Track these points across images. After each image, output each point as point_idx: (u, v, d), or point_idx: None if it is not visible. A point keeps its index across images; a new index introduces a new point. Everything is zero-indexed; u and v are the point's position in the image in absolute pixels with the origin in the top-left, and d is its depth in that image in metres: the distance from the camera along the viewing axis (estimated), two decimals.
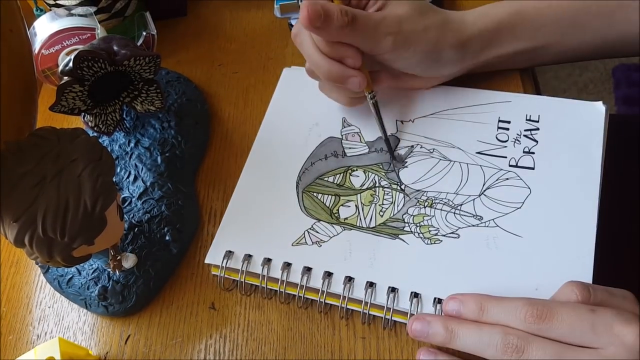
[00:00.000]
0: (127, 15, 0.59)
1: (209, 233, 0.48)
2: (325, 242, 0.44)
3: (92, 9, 0.54)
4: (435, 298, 0.40)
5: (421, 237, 0.43)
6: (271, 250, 0.43)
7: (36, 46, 0.53)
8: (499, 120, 0.48)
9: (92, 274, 0.45)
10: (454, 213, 0.44)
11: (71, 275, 0.46)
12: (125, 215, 0.47)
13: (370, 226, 0.44)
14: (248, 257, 0.43)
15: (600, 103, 0.47)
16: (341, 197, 0.46)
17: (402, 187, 0.46)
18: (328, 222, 0.45)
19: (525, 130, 0.47)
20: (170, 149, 0.50)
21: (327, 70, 0.43)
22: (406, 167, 0.47)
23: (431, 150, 0.47)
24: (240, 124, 0.54)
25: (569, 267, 0.40)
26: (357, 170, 0.47)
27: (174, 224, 0.46)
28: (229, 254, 0.43)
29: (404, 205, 0.45)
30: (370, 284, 0.41)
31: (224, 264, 0.43)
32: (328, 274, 0.42)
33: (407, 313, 0.39)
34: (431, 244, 0.42)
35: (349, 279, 0.41)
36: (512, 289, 0.39)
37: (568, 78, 1.42)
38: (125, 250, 0.45)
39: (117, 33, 0.51)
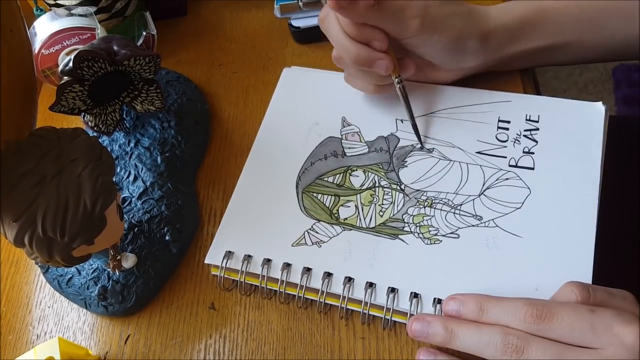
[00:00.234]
0: (127, 15, 0.59)
1: (208, 233, 0.48)
2: (325, 242, 0.44)
3: (92, 9, 0.54)
4: (435, 298, 0.40)
5: (421, 237, 0.43)
6: (271, 251, 0.43)
7: (36, 46, 0.53)
8: (499, 120, 0.48)
9: (91, 273, 0.45)
10: (454, 213, 0.44)
11: (71, 275, 0.46)
12: (125, 215, 0.47)
13: (370, 226, 0.44)
14: (248, 257, 0.43)
15: (600, 103, 0.47)
16: (341, 198, 0.46)
17: (402, 187, 0.46)
18: (328, 223, 0.45)
19: (525, 130, 0.47)
20: (170, 149, 0.50)
21: (355, 54, 0.44)
22: (406, 166, 0.47)
23: (431, 150, 0.47)
24: (240, 124, 0.54)
25: (568, 267, 0.40)
26: (356, 170, 0.47)
27: (174, 224, 0.46)
28: (229, 254, 0.43)
29: (403, 205, 0.45)
30: (370, 285, 0.41)
31: (223, 264, 0.43)
32: (328, 275, 0.42)
33: (407, 313, 0.40)
34: (431, 244, 0.42)
35: (349, 280, 0.41)
36: (512, 289, 0.39)
37: (568, 78, 1.42)
38: (125, 250, 0.45)
39: (117, 33, 0.51)
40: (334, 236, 0.44)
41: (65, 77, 0.44)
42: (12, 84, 0.35)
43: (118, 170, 0.50)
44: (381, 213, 0.45)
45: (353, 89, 0.52)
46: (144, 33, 0.56)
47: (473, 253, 0.42)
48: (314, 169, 0.48)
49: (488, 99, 0.49)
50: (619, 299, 0.36)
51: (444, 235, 0.43)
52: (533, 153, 0.46)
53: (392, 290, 0.40)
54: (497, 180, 0.45)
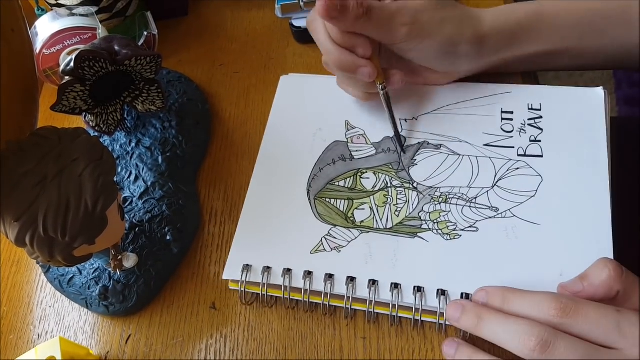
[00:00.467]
0: (128, 15, 0.59)
1: (209, 233, 0.48)
2: (344, 247, 0.43)
3: (93, 9, 0.54)
4: (462, 293, 0.40)
5: (440, 234, 0.43)
6: (290, 260, 0.43)
7: (37, 46, 0.53)
8: (502, 112, 0.48)
9: (93, 273, 0.45)
10: (470, 207, 0.44)
11: (72, 275, 0.46)
12: (126, 215, 0.47)
13: (388, 227, 0.44)
14: (267, 269, 0.43)
15: (599, 88, 0.48)
16: (354, 201, 0.46)
17: (415, 185, 0.46)
18: (344, 227, 0.44)
19: (529, 119, 0.47)
20: (171, 149, 0.50)
21: (338, 59, 0.44)
22: (416, 164, 0.47)
23: (438, 146, 0.47)
24: (241, 124, 0.54)
25: (589, 250, 0.40)
26: (367, 172, 0.47)
27: (175, 224, 0.46)
28: (247, 268, 0.43)
29: (418, 203, 0.45)
30: (396, 285, 0.41)
31: (243, 278, 0.42)
32: (351, 279, 0.41)
33: (436, 312, 0.39)
34: (451, 239, 0.42)
35: (373, 282, 0.41)
36: (537, 277, 0.39)
37: (569, 78, 1.42)
38: (126, 250, 0.45)
39: (119, 33, 0.51)
40: (352, 240, 0.44)
41: (67, 77, 0.44)
42: (14, 84, 0.35)
43: (119, 170, 0.50)
44: (397, 213, 0.44)
45: None
46: (145, 33, 0.56)
47: (494, 244, 0.42)
48: (323, 175, 0.47)
49: (488, 92, 0.49)
50: None
51: (462, 230, 0.43)
52: (540, 141, 0.46)
53: (419, 289, 0.40)
54: (508, 170, 0.45)
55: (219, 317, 0.44)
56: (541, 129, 0.47)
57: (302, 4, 0.56)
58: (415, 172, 0.46)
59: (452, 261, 0.41)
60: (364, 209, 0.45)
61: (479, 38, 0.46)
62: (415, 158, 0.47)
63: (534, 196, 0.44)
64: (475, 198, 0.44)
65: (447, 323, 0.39)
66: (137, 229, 0.46)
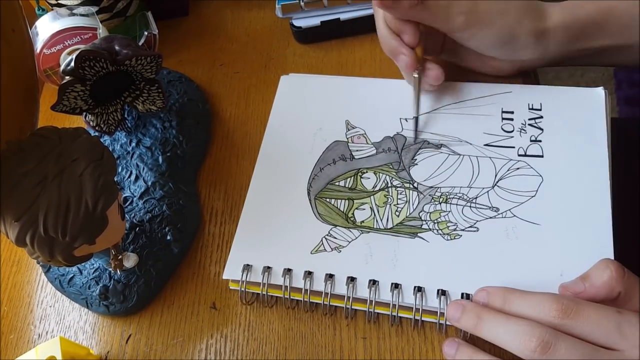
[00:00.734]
0: (128, 15, 0.59)
1: (210, 233, 0.48)
2: (344, 247, 0.43)
3: (93, 9, 0.54)
4: (463, 293, 0.40)
5: (440, 234, 0.43)
6: (290, 260, 0.43)
7: (38, 46, 0.53)
8: (503, 111, 0.48)
9: (93, 273, 0.45)
10: (470, 207, 0.44)
11: (72, 275, 0.46)
12: (126, 215, 0.47)
13: (388, 227, 0.44)
14: (267, 268, 0.43)
15: (600, 88, 0.48)
16: (355, 201, 0.46)
17: (415, 185, 0.46)
18: (345, 227, 0.44)
19: (529, 119, 0.47)
20: (172, 149, 0.50)
21: (383, 42, 0.48)
22: (416, 164, 0.47)
23: (439, 146, 0.47)
24: (241, 123, 0.54)
25: (590, 250, 0.40)
26: (367, 172, 0.47)
27: (175, 224, 0.46)
28: (247, 268, 0.43)
29: (419, 203, 0.45)
30: (396, 286, 0.41)
31: (244, 278, 0.42)
32: (351, 279, 0.41)
33: (437, 312, 0.39)
34: (451, 239, 0.42)
35: (373, 282, 0.41)
36: (538, 277, 0.39)
37: (570, 79, 1.42)
38: (127, 249, 0.45)
39: (119, 33, 0.51)
40: (353, 240, 0.44)
41: (67, 77, 0.44)
42: (14, 84, 0.35)
43: (119, 170, 0.50)
44: (397, 213, 0.44)
45: (353, 91, 0.52)
46: (146, 33, 0.56)
47: (494, 244, 0.42)
48: (323, 175, 0.47)
49: (489, 92, 0.49)
50: None
51: (463, 230, 0.43)
52: (540, 141, 0.46)
53: (419, 289, 0.40)
54: (508, 170, 0.45)
55: (219, 317, 0.44)
56: (542, 129, 0.47)
57: (302, 4, 0.56)
58: (415, 172, 0.46)
59: (453, 261, 0.41)
60: (364, 209, 0.45)
61: (541, 32, 0.46)
62: (415, 158, 0.47)
63: (534, 196, 0.44)
64: (476, 198, 0.44)
65: (447, 323, 0.39)
66: (137, 228, 0.46)
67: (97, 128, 0.49)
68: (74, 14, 0.54)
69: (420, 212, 0.44)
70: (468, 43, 0.47)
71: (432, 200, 0.45)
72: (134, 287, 0.44)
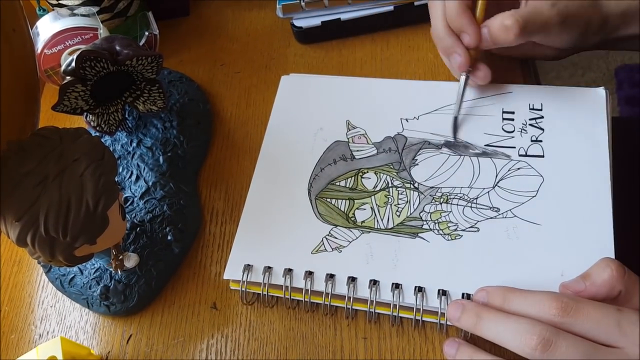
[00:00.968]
0: (129, 15, 0.59)
1: (210, 233, 0.48)
2: (344, 247, 0.43)
3: (94, 9, 0.54)
4: (463, 293, 0.40)
5: (441, 234, 0.43)
6: (291, 260, 0.43)
7: (39, 46, 0.53)
8: (503, 112, 0.48)
9: (94, 273, 0.45)
10: (471, 207, 0.44)
11: (73, 275, 0.46)
12: (127, 215, 0.47)
13: (389, 227, 0.44)
14: (268, 268, 0.43)
15: (601, 88, 0.48)
16: (355, 201, 0.46)
17: (416, 185, 0.46)
18: (345, 227, 0.44)
19: (530, 119, 0.47)
20: (172, 149, 0.50)
21: (439, 39, 0.47)
22: (417, 165, 0.47)
23: (439, 146, 0.47)
24: (242, 123, 0.54)
25: (590, 250, 0.40)
26: (368, 172, 0.47)
27: (176, 224, 0.46)
28: (248, 268, 0.43)
29: (419, 203, 0.45)
30: (397, 286, 0.41)
31: (244, 278, 0.42)
32: (352, 279, 0.41)
33: (437, 312, 0.39)
34: (452, 239, 0.42)
35: (374, 282, 0.41)
36: (538, 277, 0.39)
37: (570, 78, 1.42)
38: (127, 249, 0.45)
39: (120, 33, 0.51)
40: (353, 240, 0.44)
41: (68, 77, 0.44)
42: (15, 84, 0.35)
43: (120, 170, 0.50)
44: (398, 213, 0.44)
45: (353, 91, 0.52)
46: (147, 33, 0.56)
47: (495, 245, 0.42)
48: (324, 175, 0.47)
49: (489, 92, 0.49)
50: None
51: (463, 230, 0.43)
52: (541, 141, 0.46)
53: (420, 289, 0.40)
54: (509, 170, 0.45)
55: (220, 317, 0.44)
56: (542, 129, 0.47)
57: (303, 4, 0.56)
58: (416, 172, 0.46)
59: (453, 261, 0.41)
60: (365, 209, 0.45)
61: (605, 19, 0.45)
62: (416, 158, 0.47)
63: (535, 196, 0.44)
64: (476, 198, 0.44)
65: (448, 323, 0.39)
66: (138, 228, 0.46)
67: (97, 128, 0.49)
68: (74, 14, 0.54)
69: (421, 212, 0.44)
70: (546, 39, 0.46)
71: (433, 201, 0.45)
72: (134, 287, 0.44)
